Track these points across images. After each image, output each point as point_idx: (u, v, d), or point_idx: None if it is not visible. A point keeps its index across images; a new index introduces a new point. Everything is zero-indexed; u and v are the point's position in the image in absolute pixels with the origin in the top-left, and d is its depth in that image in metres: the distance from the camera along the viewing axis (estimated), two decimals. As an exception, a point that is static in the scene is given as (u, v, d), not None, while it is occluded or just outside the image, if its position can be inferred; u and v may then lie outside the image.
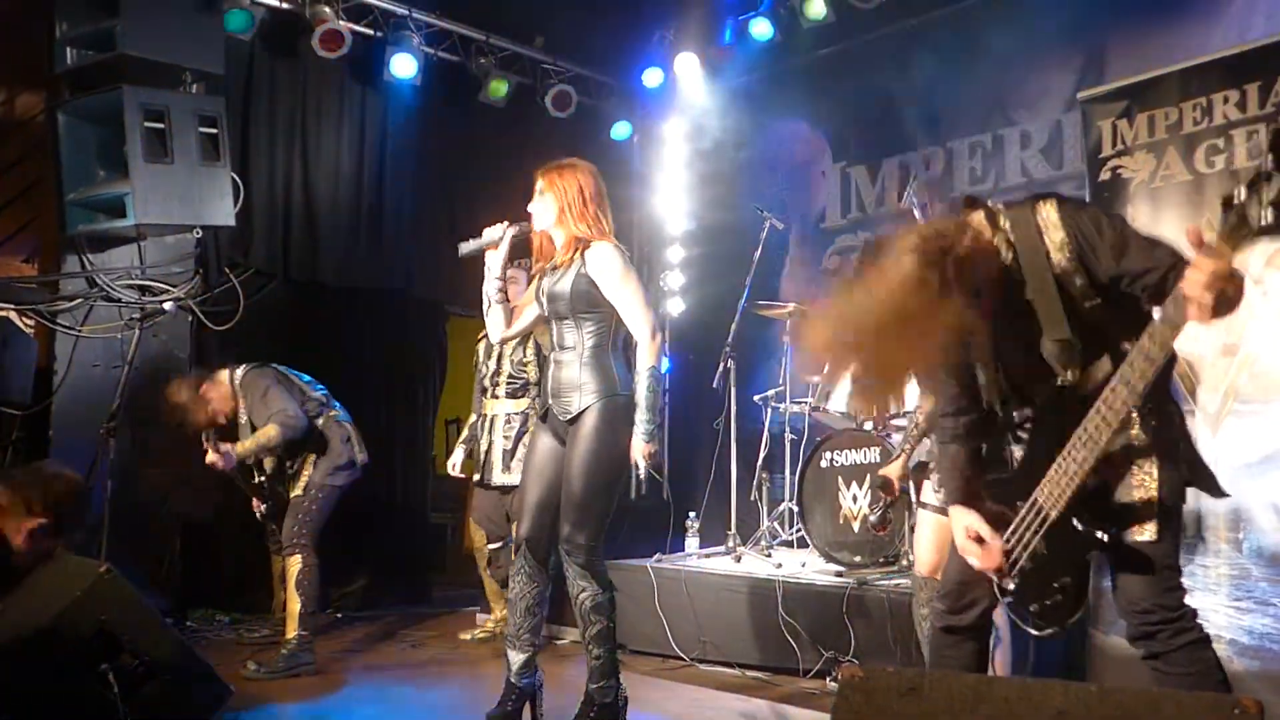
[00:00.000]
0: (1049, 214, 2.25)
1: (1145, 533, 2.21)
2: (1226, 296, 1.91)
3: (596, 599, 3.48)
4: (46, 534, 3.34)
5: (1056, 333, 2.22)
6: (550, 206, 3.57)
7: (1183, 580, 2.26)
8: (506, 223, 3.64)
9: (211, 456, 4.72)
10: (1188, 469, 2.30)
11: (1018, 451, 2.41)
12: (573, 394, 3.47)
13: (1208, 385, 3.62)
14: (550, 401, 3.56)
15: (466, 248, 3.66)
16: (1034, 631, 2.36)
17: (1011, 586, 2.35)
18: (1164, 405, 2.29)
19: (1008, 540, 2.33)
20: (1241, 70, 3.64)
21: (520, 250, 3.79)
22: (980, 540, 2.34)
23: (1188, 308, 1.92)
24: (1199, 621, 2.22)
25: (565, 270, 3.52)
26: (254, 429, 4.79)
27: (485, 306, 3.70)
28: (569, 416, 3.48)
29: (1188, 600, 2.23)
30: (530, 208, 3.63)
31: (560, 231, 3.58)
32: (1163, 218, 3.80)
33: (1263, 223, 1.78)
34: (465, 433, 5.56)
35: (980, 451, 2.47)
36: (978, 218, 2.30)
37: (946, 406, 2.47)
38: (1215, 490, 2.36)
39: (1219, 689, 2.15)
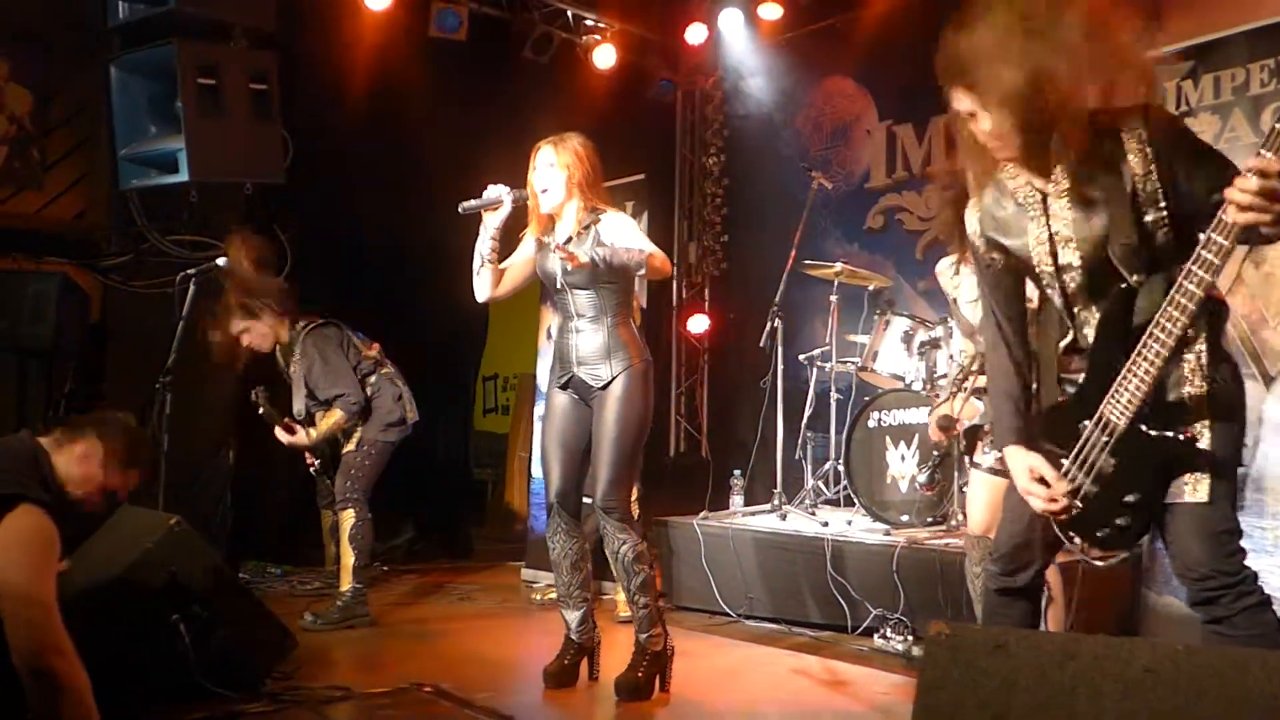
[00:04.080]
0: (1132, 118, 2.22)
1: (1199, 493, 2.20)
2: (1277, 203, 1.93)
3: (638, 548, 3.61)
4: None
5: (1124, 237, 2.23)
6: (560, 180, 3.61)
7: (1241, 543, 2.26)
8: (510, 188, 3.64)
9: (285, 438, 4.82)
10: (1240, 430, 2.30)
11: (1068, 388, 2.40)
12: (602, 363, 3.60)
13: (1268, 349, 3.60)
14: (576, 370, 3.64)
15: (468, 205, 3.66)
16: (1099, 563, 2.33)
17: (1075, 513, 2.31)
18: (1219, 360, 2.28)
19: (1070, 469, 2.31)
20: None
21: (518, 216, 3.80)
22: (1043, 481, 2.33)
23: (1235, 212, 1.95)
24: (1259, 584, 2.22)
25: (581, 241, 3.57)
26: (307, 388, 4.86)
27: (476, 265, 3.71)
28: (601, 384, 3.59)
29: (1247, 563, 2.23)
30: (534, 179, 3.65)
31: (571, 204, 3.63)
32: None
33: None
34: None
35: (1032, 390, 2.48)
36: None
37: (1006, 337, 2.47)
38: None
39: None
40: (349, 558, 4.75)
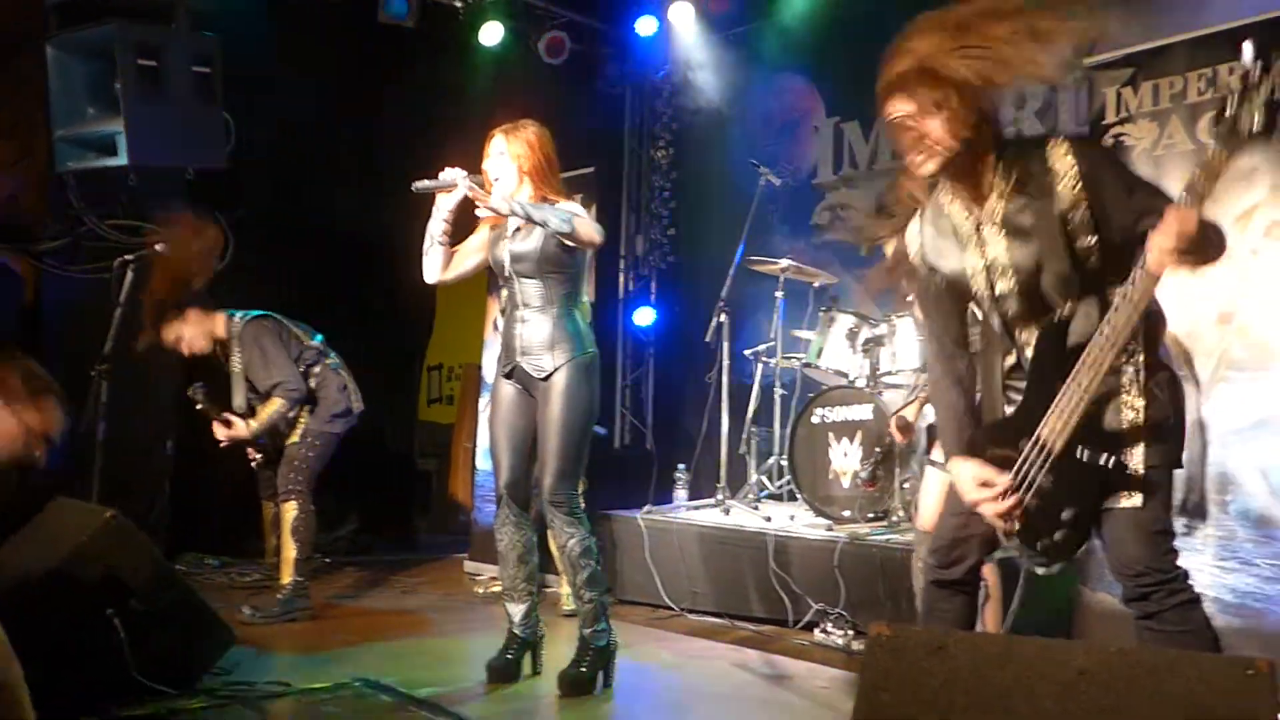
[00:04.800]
0: (1057, 149, 2.29)
1: (1135, 499, 2.27)
2: (1196, 247, 2.01)
3: (584, 543, 3.60)
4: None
5: (1057, 265, 2.29)
6: (512, 168, 3.61)
7: (1175, 543, 2.32)
8: (466, 172, 3.59)
9: (223, 432, 4.75)
10: (1177, 437, 2.36)
11: (1012, 397, 2.46)
12: (545, 353, 3.58)
13: (1201, 352, 3.70)
14: (519, 360, 3.63)
15: (421, 185, 3.60)
16: (1040, 570, 2.40)
17: (1017, 528, 2.38)
18: (1156, 371, 2.34)
19: (1013, 482, 2.36)
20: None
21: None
22: (988, 485, 2.38)
23: (1158, 256, 2.02)
24: (1190, 583, 2.29)
25: (531, 229, 3.56)
26: (248, 382, 4.80)
27: (426, 245, 3.68)
28: (543, 375, 3.57)
29: (1180, 562, 2.30)
30: (488, 167, 3.64)
31: (522, 193, 3.62)
32: (1164, 186, 3.84)
33: (1254, 129, 1.89)
34: None
35: (976, 401, 2.53)
36: None
37: (947, 354, 2.53)
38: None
39: (1209, 646, 2.24)
40: (291, 550, 4.70)
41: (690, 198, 7.47)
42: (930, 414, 3.73)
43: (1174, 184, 3.79)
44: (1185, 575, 2.29)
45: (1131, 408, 2.30)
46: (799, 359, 5.48)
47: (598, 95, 7.45)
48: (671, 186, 7.54)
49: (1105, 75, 4.02)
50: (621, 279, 7.74)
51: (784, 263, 5.56)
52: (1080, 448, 2.27)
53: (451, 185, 3.56)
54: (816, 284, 5.85)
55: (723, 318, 5.52)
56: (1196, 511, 3.66)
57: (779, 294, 5.69)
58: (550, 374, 3.57)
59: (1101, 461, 2.27)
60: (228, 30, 5.43)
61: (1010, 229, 2.34)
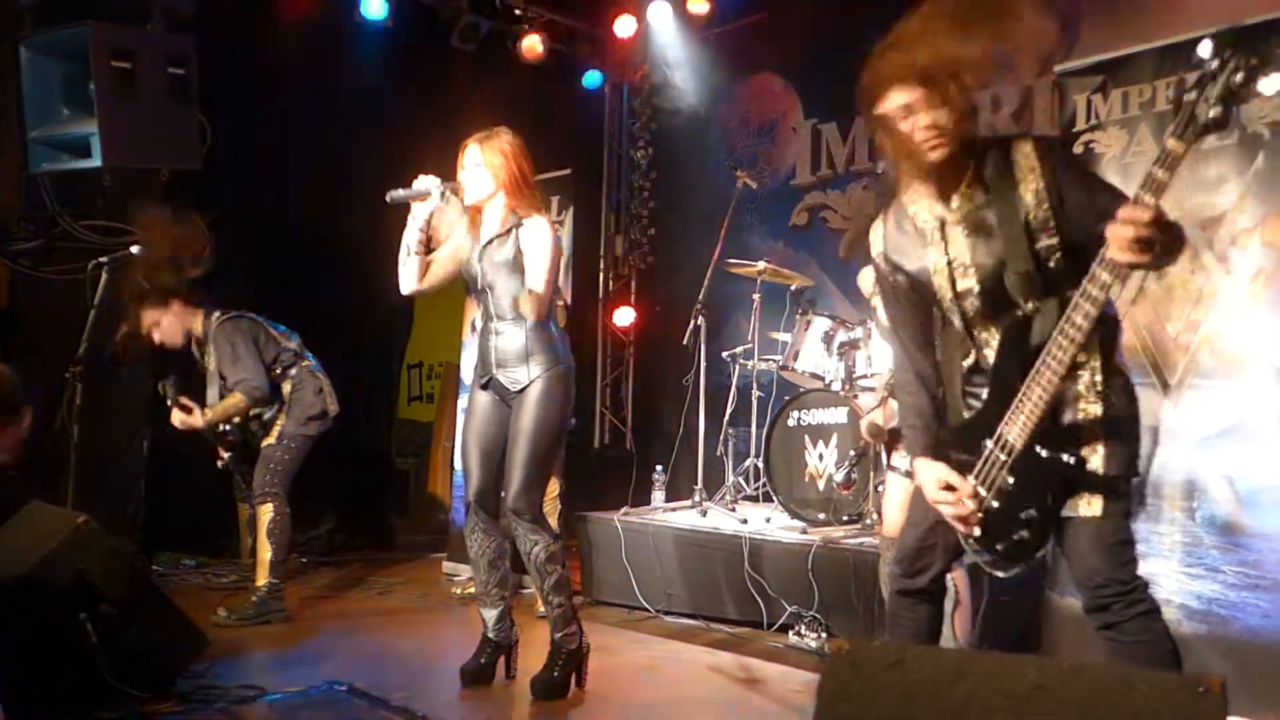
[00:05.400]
0: (1023, 147, 2.33)
1: (1093, 508, 2.30)
2: (1154, 244, 2.02)
3: (550, 549, 3.61)
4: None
5: (1019, 265, 2.31)
6: (487, 178, 3.60)
7: (1136, 552, 2.35)
8: (440, 180, 3.59)
9: (179, 418, 4.74)
10: (1134, 445, 2.39)
11: (971, 402, 2.48)
12: (520, 366, 3.59)
13: (1168, 360, 3.73)
14: (495, 372, 3.64)
15: (396, 195, 3.58)
16: (1000, 573, 2.43)
17: (978, 532, 2.41)
18: (1113, 376, 2.36)
19: (973, 482, 2.39)
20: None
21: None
22: (951, 489, 2.41)
23: (1114, 252, 2.03)
24: (1150, 593, 2.32)
25: (504, 241, 3.57)
26: (222, 379, 4.80)
27: (402, 256, 3.65)
28: (519, 388, 3.58)
29: (1140, 571, 2.33)
30: (464, 177, 3.62)
31: (495, 203, 3.62)
32: (1132, 193, 3.88)
33: (1209, 117, 1.93)
34: None
35: (940, 403, 2.55)
36: None
37: (912, 356, 2.56)
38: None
39: (1168, 657, 2.26)
40: (266, 552, 4.70)
41: (669, 198, 7.49)
42: (891, 417, 3.76)
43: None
44: (1145, 585, 2.32)
45: (1089, 406, 2.33)
46: (776, 360, 5.50)
47: (577, 95, 7.45)
48: (651, 187, 7.57)
49: (1076, 82, 4.04)
50: (601, 279, 7.76)
51: (761, 265, 5.58)
52: (1040, 447, 2.30)
53: (426, 194, 3.56)
54: (794, 286, 5.88)
55: (700, 320, 5.54)
56: (1155, 516, 3.70)
57: (756, 296, 5.71)
58: (526, 386, 3.58)
59: (1064, 459, 2.29)
60: (203, 30, 5.41)
61: (973, 227, 2.36)
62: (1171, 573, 3.63)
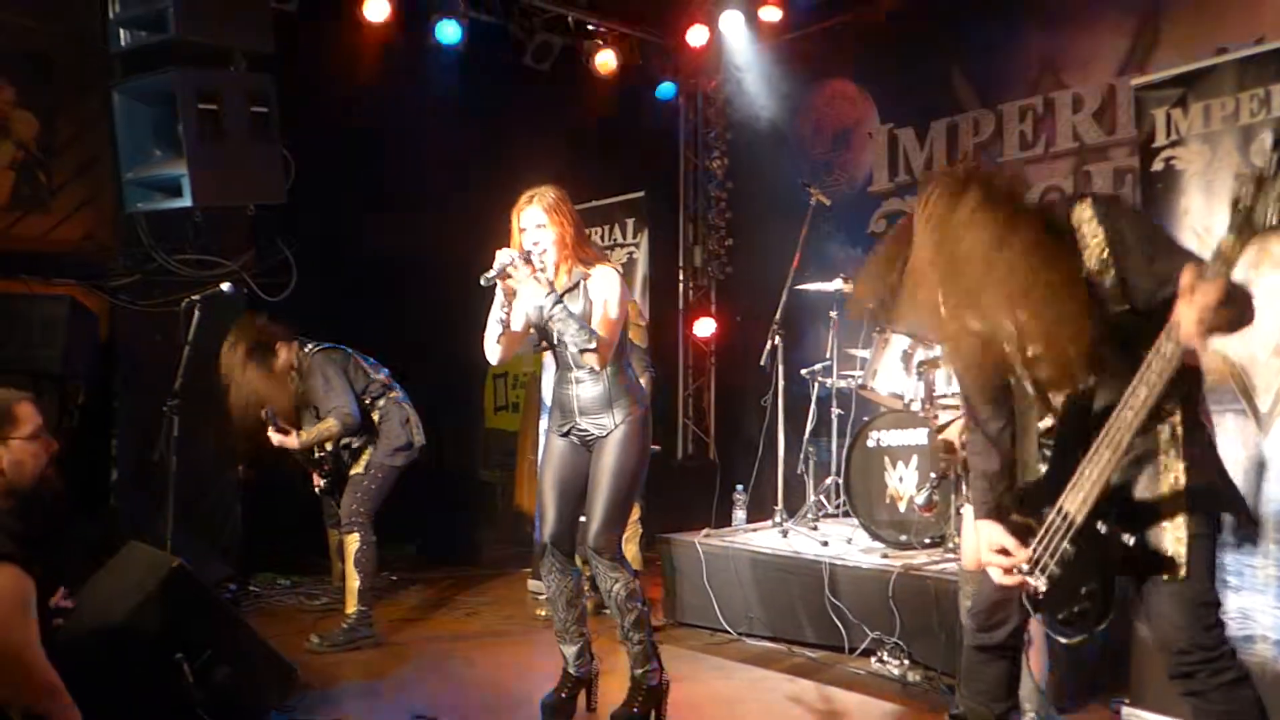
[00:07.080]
0: (1082, 213, 2.28)
1: (1179, 571, 2.23)
2: (1222, 321, 1.98)
3: (629, 586, 3.67)
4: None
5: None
6: (551, 237, 3.63)
7: (1221, 615, 2.29)
8: (516, 253, 3.58)
9: (276, 437, 4.90)
10: (1220, 500, 2.31)
11: (1048, 455, 2.43)
12: (604, 413, 3.65)
13: (1260, 386, 3.59)
14: (578, 420, 3.68)
15: (489, 277, 3.56)
16: (1063, 640, 2.39)
17: (1042, 591, 2.36)
18: (1195, 429, 2.30)
19: (1035, 548, 2.35)
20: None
21: None
22: (1005, 552, 2.38)
23: (1186, 330, 2.00)
24: (1237, 659, 2.25)
25: (574, 296, 3.62)
26: (314, 409, 4.95)
27: (492, 331, 3.64)
28: (606, 433, 3.64)
29: (1234, 606, 2.26)
30: (526, 242, 3.63)
31: (557, 260, 3.65)
32: (1216, 210, 3.74)
33: (1270, 222, 1.92)
34: None
35: (1012, 464, 2.51)
36: None
37: (981, 418, 2.52)
38: (1247, 519, 2.36)
39: None
40: (354, 581, 4.83)
41: (746, 208, 7.47)
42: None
43: (1227, 209, 3.72)
44: (1232, 652, 2.25)
45: (1171, 470, 2.27)
46: (853, 377, 5.44)
47: (651, 107, 7.45)
48: (727, 197, 7.55)
49: (1153, 96, 3.91)
50: (681, 289, 7.76)
51: (836, 284, 5.51)
52: (1099, 522, 2.25)
53: (513, 268, 3.55)
54: (872, 301, 5.79)
55: (776, 340, 5.50)
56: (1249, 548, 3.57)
57: (834, 313, 5.66)
58: (612, 431, 3.64)
59: (1123, 538, 2.24)
60: (282, 66, 5.55)
61: None
62: (1267, 607, 3.49)
